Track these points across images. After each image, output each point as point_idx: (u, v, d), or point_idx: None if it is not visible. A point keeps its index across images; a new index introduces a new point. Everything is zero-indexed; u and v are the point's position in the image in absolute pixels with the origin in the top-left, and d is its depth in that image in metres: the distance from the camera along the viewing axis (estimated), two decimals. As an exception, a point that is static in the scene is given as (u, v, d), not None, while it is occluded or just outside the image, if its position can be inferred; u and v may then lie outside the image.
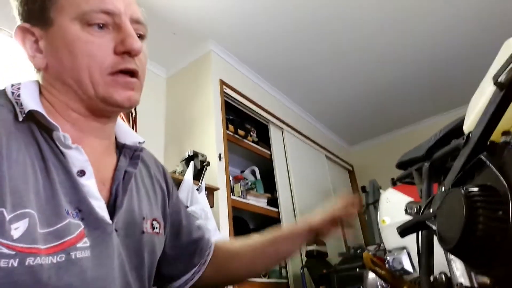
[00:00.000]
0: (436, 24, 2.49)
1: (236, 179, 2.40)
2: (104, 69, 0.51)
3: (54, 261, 0.43)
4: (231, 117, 2.49)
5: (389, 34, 2.54)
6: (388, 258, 1.82)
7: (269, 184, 2.64)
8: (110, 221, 0.51)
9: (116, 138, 0.62)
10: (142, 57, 0.56)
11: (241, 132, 2.49)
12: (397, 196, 1.86)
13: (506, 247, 0.36)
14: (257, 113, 2.68)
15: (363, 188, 3.12)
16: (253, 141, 2.60)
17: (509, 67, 0.46)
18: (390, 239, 1.82)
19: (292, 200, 2.67)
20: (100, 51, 0.50)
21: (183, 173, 1.74)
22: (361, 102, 3.35)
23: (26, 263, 0.40)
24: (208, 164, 1.75)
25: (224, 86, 2.42)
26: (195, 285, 0.71)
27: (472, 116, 0.56)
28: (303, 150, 3.16)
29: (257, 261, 0.75)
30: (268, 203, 2.47)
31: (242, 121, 2.61)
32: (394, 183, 2.75)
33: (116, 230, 0.52)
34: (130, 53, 0.52)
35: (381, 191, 2.33)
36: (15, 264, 0.39)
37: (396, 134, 3.94)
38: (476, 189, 0.39)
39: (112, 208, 0.53)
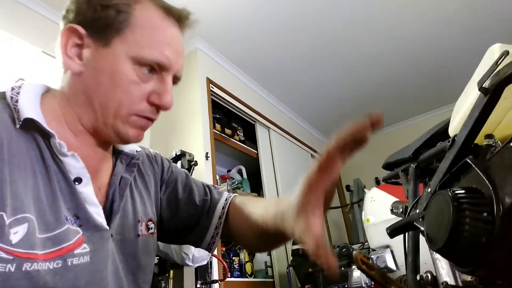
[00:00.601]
0: (422, 26, 2.56)
1: (223, 178, 2.40)
2: (132, 109, 0.52)
3: (51, 267, 0.43)
4: (218, 116, 2.48)
5: (374, 35, 2.59)
6: (372, 256, 1.86)
7: (255, 183, 2.65)
8: (107, 227, 0.51)
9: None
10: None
11: (228, 131, 2.48)
12: (382, 195, 1.90)
13: (491, 247, 0.37)
14: (244, 112, 2.68)
15: (348, 187, 3.17)
16: (240, 140, 2.60)
17: (493, 74, 0.48)
18: (374, 237, 1.86)
19: (278, 197, 2.69)
20: (138, 93, 0.52)
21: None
22: (346, 102, 3.40)
23: (23, 269, 0.40)
24: (196, 163, 1.74)
25: (211, 85, 2.40)
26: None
27: (457, 120, 0.58)
28: (290, 149, 3.18)
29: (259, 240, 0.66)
30: (255, 202, 2.47)
31: (229, 120, 2.60)
32: (378, 182, 2.81)
33: (112, 235, 0.52)
34: (160, 108, 0.55)
35: (365, 190, 2.37)
36: (12, 269, 0.40)
37: (380, 133, 4.02)
38: (462, 191, 0.40)
39: (109, 213, 0.53)
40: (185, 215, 0.68)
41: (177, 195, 0.70)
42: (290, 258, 2.35)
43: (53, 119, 0.51)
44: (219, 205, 0.69)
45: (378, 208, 1.88)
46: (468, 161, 0.43)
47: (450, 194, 0.40)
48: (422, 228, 0.45)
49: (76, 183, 0.49)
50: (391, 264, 1.72)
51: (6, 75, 1.59)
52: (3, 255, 0.39)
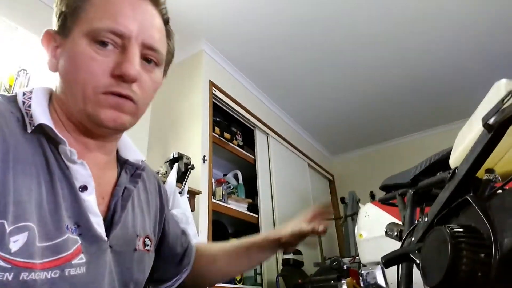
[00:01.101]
0: (424, 44, 2.58)
1: (218, 182, 2.39)
2: (97, 87, 0.49)
3: (48, 276, 0.42)
4: (218, 119, 2.48)
5: (377, 50, 2.61)
6: (362, 272, 1.86)
7: (250, 189, 2.64)
8: (106, 238, 0.51)
9: (118, 152, 0.62)
10: (146, 83, 0.54)
11: (227, 135, 2.48)
12: (376, 211, 1.90)
13: (488, 284, 0.37)
14: (244, 117, 2.68)
15: (342, 199, 3.17)
16: (238, 145, 2.60)
17: (499, 111, 0.48)
18: (366, 253, 1.85)
19: (273, 206, 2.68)
20: (99, 69, 0.49)
21: (166, 174, 1.72)
22: (346, 113, 3.41)
23: (20, 278, 0.40)
24: (193, 167, 1.73)
25: (213, 88, 2.40)
26: None
27: (459, 151, 0.58)
28: (287, 157, 3.18)
29: (231, 266, 0.78)
30: (249, 209, 2.47)
31: (228, 124, 2.60)
32: (373, 197, 2.81)
33: (110, 247, 0.52)
34: (123, 78, 0.50)
35: (360, 204, 2.37)
36: (10, 278, 0.39)
37: (378, 147, 4.03)
38: (461, 230, 0.40)
39: (109, 224, 0.53)
40: (168, 254, 0.72)
41: (168, 231, 0.73)
42: (280, 267, 2.34)
43: (56, 124, 0.51)
44: (193, 252, 0.77)
45: (372, 224, 1.88)
46: (469, 199, 0.43)
47: (448, 231, 0.40)
48: (417, 261, 0.45)
49: (81, 191, 0.49)
50: (381, 281, 1.72)
51: (9, 65, 1.58)
52: (2, 263, 0.39)
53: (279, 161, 2.98)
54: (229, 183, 2.52)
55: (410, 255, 0.47)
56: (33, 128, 0.47)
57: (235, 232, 2.55)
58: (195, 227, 1.54)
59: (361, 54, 2.63)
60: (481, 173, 0.54)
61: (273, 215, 2.65)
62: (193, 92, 2.32)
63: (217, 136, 2.37)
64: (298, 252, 2.39)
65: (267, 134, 2.94)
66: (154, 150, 2.32)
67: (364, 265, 1.90)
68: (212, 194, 2.13)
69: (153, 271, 0.67)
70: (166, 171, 1.76)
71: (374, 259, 1.85)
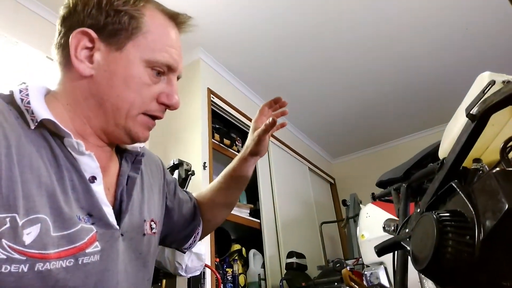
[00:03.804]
0: (418, 49, 2.61)
1: (220, 189, 2.40)
2: (142, 109, 0.55)
3: (64, 265, 0.44)
4: (217, 126, 2.51)
5: (373, 54, 2.64)
6: (366, 272, 1.86)
7: (252, 194, 2.65)
8: (117, 227, 0.53)
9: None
10: None
11: (226, 141, 2.50)
12: (377, 211, 1.91)
13: (471, 269, 0.39)
14: (243, 123, 2.70)
15: (344, 202, 3.17)
16: (238, 151, 2.62)
17: (481, 101, 0.50)
18: (369, 254, 1.86)
19: (274, 211, 2.69)
20: (148, 94, 0.56)
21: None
22: (345, 117, 3.43)
23: (36, 269, 0.41)
24: (193, 173, 1.75)
25: (211, 95, 2.43)
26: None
27: (447, 143, 0.60)
28: (287, 162, 3.19)
29: (228, 198, 0.84)
30: (251, 214, 2.48)
31: (228, 130, 2.62)
32: (374, 198, 2.81)
33: (122, 235, 0.54)
34: (169, 107, 0.59)
35: (361, 205, 2.37)
36: (25, 270, 0.41)
37: (378, 149, 4.04)
38: (447, 214, 0.42)
39: (118, 213, 0.54)
40: (177, 221, 0.77)
41: (173, 204, 0.76)
42: (284, 271, 2.34)
43: (62, 121, 0.51)
44: (198, 209, 0.82)
45: (373, 224, 1.89)
46: (453, 185, 0.45)
47: (434, 216, 0.42)
48: (408, 248, 0.47)
49: (91, 181, 0.51)
50: (384, 281, 1.72)
51: (10, 79, 1.62)
52: (16, 256, 0.40)
53: (280, 166, 2.99)
54: (230, 189, 2.53)
55: (402, 242, 0.49)
56: (36, 124, 0.48)
57: (238, 237, 2.55)
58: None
59: (358, 57, 2.66)
60: (469, 165, 0.56)
61: (275, 220, 2.65)
62: (192, 100, 2.35)
63: (217, 142, 2.39)
64: (302, 256, 2.39)
65: (267, 139, 2.96)
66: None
67: (367, 266, 1.90)
68: (214, 200, 2.14)
69: (174, 237, 0.75)
70: (167, 178, 1.78)
71: (376, 260, 1.85)
